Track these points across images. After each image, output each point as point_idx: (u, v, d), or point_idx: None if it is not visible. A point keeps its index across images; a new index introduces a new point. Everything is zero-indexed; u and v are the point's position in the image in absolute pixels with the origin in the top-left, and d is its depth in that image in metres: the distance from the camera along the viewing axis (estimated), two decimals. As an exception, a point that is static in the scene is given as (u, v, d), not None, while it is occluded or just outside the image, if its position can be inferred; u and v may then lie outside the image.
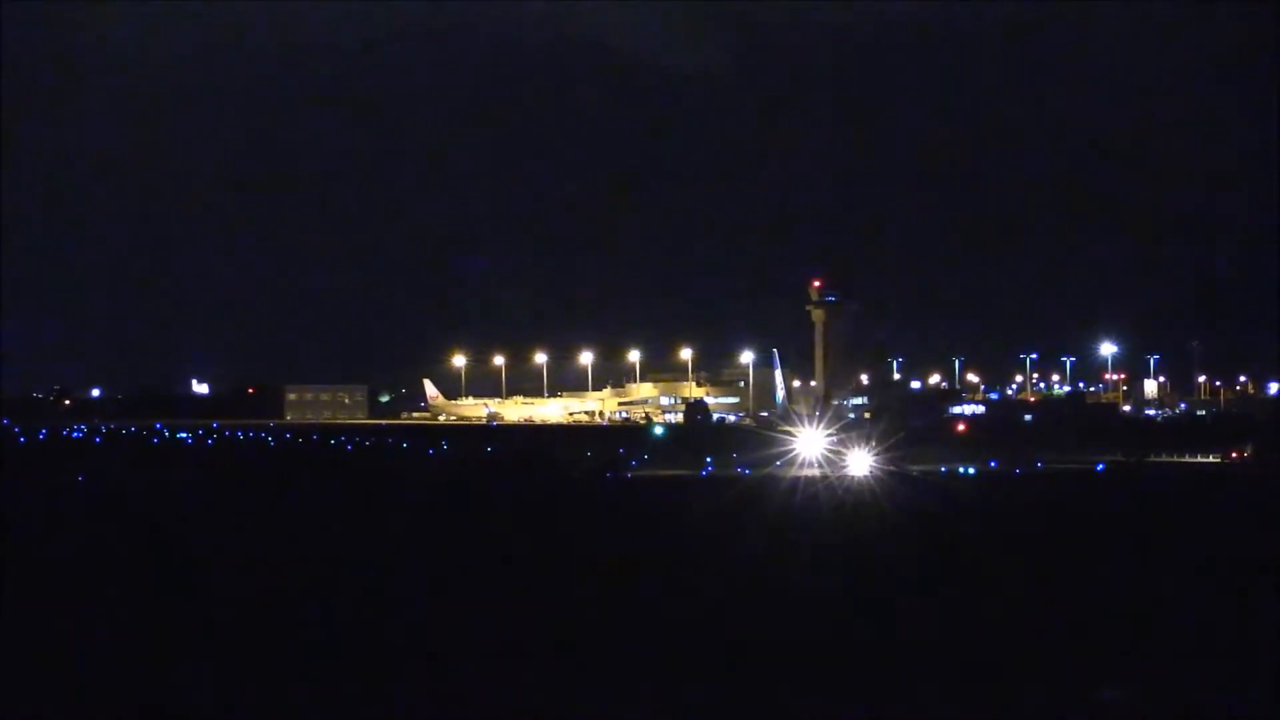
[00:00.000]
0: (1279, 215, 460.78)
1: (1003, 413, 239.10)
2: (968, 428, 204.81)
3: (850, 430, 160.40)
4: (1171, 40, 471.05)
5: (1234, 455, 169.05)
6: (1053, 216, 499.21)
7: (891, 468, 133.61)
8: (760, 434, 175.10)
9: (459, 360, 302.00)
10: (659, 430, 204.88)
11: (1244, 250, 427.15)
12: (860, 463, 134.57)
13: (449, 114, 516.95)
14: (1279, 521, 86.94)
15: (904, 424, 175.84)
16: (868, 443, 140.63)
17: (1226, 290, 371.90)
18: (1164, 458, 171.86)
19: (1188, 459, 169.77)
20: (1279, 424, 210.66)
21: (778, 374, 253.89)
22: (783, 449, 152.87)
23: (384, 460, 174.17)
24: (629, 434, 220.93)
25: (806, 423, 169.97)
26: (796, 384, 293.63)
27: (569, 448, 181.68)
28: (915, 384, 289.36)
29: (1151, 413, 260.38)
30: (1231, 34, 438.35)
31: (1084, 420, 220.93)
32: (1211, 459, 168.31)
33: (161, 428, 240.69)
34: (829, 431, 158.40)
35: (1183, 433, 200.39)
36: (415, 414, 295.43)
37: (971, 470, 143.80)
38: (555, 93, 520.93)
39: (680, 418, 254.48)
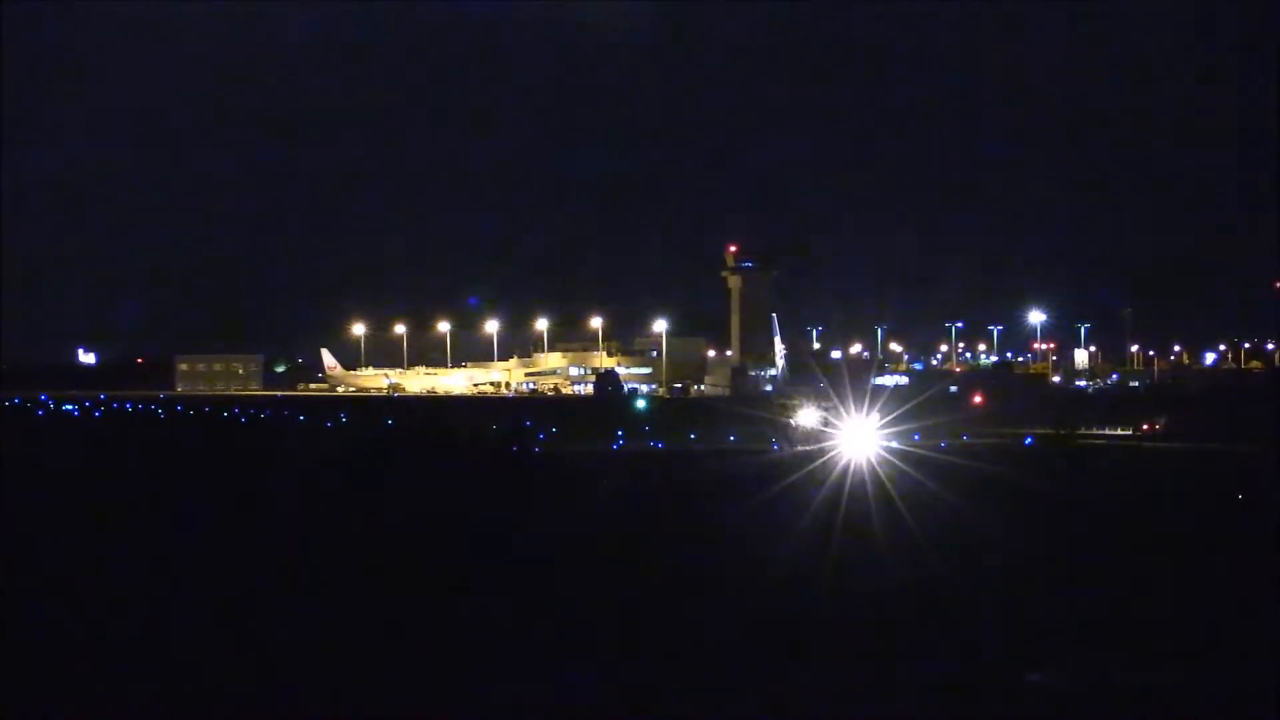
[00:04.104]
0: (1215, 182, 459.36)
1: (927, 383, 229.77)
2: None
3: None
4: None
5: (1145, 428, 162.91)
6: (980, 182, 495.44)
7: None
8: (735, 409, 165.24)
9: (359, 329, 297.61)
10: (641, 404, 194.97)
11: (1179, 217, 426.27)
12: (861, 440, 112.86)
13: (355, 77, 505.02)
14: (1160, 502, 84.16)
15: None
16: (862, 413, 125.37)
17: (1162, 257, 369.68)
18: (1094, 430, 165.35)
19: (1102, 432, 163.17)
20: (1210, 396, 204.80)
21: (777, 340, 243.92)
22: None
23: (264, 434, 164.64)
24: (536, 406, 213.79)
25: (804, 396, 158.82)
26: (712, 354, 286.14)
27: (474, 420, 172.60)
28: (836, 354, 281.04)
29: (1082, 384, 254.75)
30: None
31: (1012, 392, 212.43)
32: (1123, 432, 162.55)
33: (46, 399, 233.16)
34: (827, 405, 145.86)
35: (1115, 404, 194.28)
36: (312, 385, 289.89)
37: (894, 445, 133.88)
38: (472, 55, 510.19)
39: (590, 389, 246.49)
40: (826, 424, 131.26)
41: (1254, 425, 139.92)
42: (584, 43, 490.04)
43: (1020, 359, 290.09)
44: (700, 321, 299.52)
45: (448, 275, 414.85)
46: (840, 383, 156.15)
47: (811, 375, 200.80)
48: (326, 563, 58.74)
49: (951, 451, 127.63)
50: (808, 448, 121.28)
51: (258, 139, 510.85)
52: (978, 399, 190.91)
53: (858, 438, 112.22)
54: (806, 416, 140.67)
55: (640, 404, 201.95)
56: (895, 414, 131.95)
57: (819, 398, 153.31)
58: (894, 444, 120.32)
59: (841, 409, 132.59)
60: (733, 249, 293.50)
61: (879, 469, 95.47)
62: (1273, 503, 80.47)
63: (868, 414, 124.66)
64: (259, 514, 76.93)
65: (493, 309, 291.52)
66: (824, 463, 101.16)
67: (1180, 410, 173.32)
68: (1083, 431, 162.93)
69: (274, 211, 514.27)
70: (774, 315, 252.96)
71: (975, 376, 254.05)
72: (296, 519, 75.25)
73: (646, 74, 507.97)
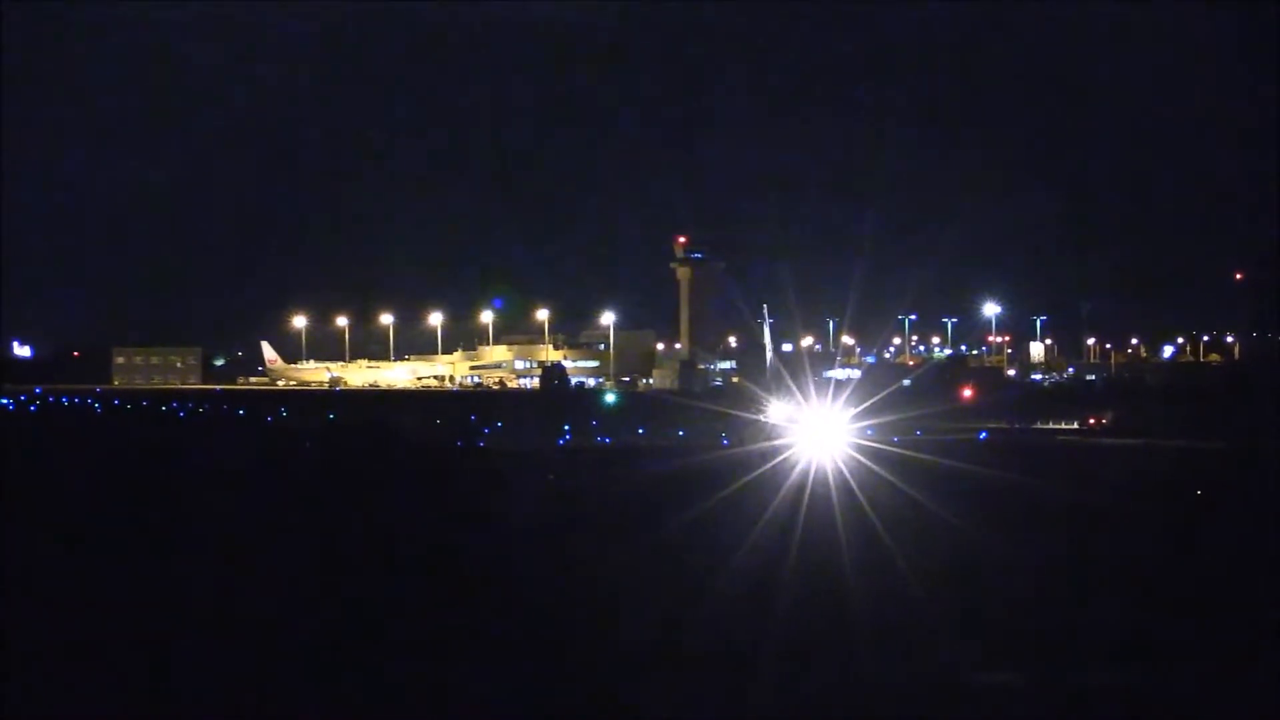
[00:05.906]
0: (1173, 175, 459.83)
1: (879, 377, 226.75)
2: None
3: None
4: None
5: (1092, 422, 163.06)
6: (933, 171, 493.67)
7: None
8: (686, 404, 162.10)
9: (300, 321, 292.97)
10: (611, 398, 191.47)
11: (1138, 210, 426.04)
12: (827, 437, 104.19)
13: (297, 69, 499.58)
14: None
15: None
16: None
17: (1120, 250, 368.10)
18: (1050, 425, 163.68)
19: (1049, 426, 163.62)
20: (1165, 390, 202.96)
21: (766, 332, 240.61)
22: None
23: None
24: (481, 400, 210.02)
25: (781, 390, 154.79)
26: (660, 347, 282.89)
27: (416, 415, 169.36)
28: (787, 346, 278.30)
29: (1038, 377, 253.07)
30: None
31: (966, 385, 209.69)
32: (1069, 426, 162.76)
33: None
34: (793, 400, 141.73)
35: (1069, 398, 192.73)
36: (253, 378, 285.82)
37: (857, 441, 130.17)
38: (416, 49, 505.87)
39: (536, 383, 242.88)
40: (790, 420, 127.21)
41: (1206, 420, 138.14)
42: (532, 37, 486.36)
43: (975, 352, 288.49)
44: (649, 314, 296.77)
45: (390, 267, 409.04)
46: (802, 377, 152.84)
47: (775, 370, 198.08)
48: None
49: (913, 447, 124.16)
50: (772, 443, 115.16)
51: (199, 133, 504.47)
52: (967, 392, 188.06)
53: (822, 434, 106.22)
54: (776, 412, 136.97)
55: (610, 398, 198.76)
56: (851, 410, 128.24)
57: (786, 392, 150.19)
58: (856, 441, 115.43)
59: (804, 404, 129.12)
60: (682, 240, 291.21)
61: (857, 481, 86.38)
62: (1220, 499, 79.57)
63: (830, 410, 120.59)
64: (170, 514, 73.14)
65: (436, 301, 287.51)
66: (786, 463, 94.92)
67: (1132, 404, 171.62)
68: (1036, 426, 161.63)
69: (213, 203, 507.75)
70: (764, 305, 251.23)
71: (928, 369, 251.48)
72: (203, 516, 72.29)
73: (598, 67, 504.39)
